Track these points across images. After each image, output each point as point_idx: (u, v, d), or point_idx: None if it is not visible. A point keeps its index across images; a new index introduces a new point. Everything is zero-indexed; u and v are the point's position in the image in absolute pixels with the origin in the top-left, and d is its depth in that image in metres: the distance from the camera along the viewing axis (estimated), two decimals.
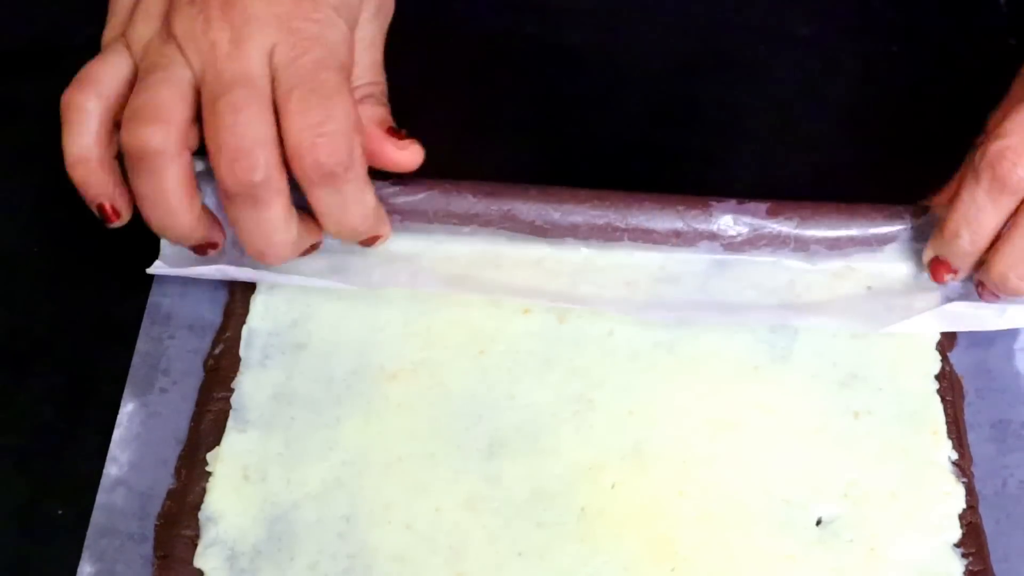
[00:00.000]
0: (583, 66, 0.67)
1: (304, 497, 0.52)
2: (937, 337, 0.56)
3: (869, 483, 0.52)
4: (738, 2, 0.70)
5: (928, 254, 0.56)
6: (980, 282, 0.54)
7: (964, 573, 0.50)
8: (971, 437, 0.54)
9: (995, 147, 0.51)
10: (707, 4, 0.69)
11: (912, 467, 0.52)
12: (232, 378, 0.55)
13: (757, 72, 0.67)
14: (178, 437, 0.54)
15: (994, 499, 0.52)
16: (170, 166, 0.51)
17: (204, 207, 0.53)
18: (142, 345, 0.56)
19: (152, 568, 0.50)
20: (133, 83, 0.53)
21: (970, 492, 0.52)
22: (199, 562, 0.50)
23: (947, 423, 0.53)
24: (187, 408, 0.54)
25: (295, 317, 0.56)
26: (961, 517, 0.51)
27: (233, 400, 0.54)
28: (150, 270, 0.56)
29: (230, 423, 0.53)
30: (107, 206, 0.53)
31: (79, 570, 0.50)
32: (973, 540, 0.51)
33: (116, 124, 0.52)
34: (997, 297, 0.54)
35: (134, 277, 0.57)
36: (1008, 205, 0.52)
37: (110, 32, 0.55)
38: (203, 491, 0.52)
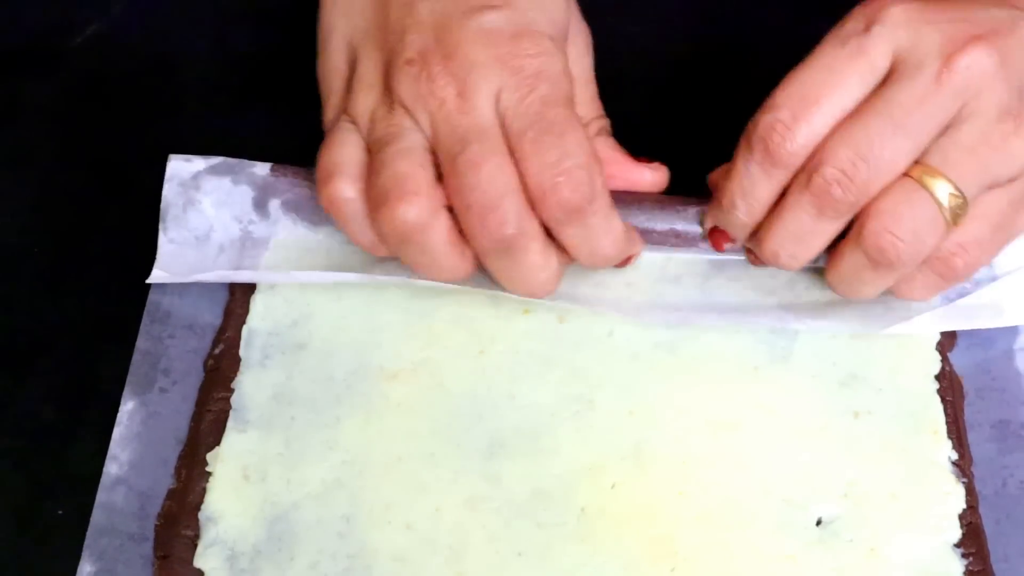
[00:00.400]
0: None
1: (304, 497, 0.52)
2: (937, 337, 0.56)
3: (869, 483, 0.52)
4: (739, 2, 0.70)
5: (708, 223, 0.56)
6: (749, 250, 0.55)
7: (964, 573, 0.50)
8: (971, 437, 0.54)
9: (766, 120, 0.51)
10: (707, 4, 0.69)
11: (912, 467, 0.52)
12: (232, 378, 0.55)
13: (757, 72, 0.67)
14: (178, 437, 0.54)
15: (994, 499, 0.52)
16: (433, 233, 0.51)
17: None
18: (142, 345, 0.56)
19: (152, 568, 0.51)
20: (367, 150, 0.52)
21: (970, 492, 0.52)
22: (199, 562, 0.50)
23: (947, 423, 0.54)
24: (187, 408, 0.55)
25: (295, 317, 0.56)
26: (961, 517, 0.51)
27: (233, 400, 0.54)
28: (150, 280, 0.56)
29: (230, 423, 0.53)
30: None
31: (79, 570, 0.50)
32: (973, 540, 0.51)
33: None
34: (766, 265, 0.55)
35: (134, 277, 0.57)
36: (780, 177, 0.52)
37: (331, 111, 0.54)
38: (203, 491, 0.52)
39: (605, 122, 0.57)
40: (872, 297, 0.54)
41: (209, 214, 0.57)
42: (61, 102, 0.67)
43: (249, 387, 0.54)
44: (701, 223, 0.56)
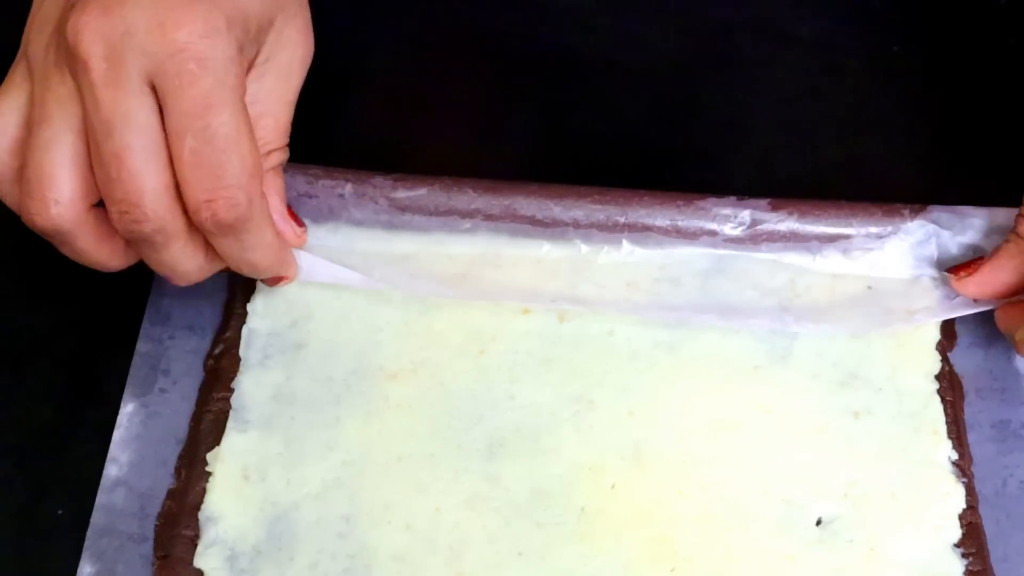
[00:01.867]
0: (583, 66, 0.67)
1: (304, 497, 0.52)
2: (937, 337, 0.56)
3: (869, 483, 0.52)
4: (739, 2, 0.70)
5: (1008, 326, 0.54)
6: None
7: (964, 573, 0.50)
8: (971, 437, 0.54)
9: None
10: (707, 4, 0.69)
11: (912, 467, 0.52)
12: (232, 378, 0.55)
13: (757, 72, 0.67)
14: (178, 437, 0.54)
15: (994, 499, 0.52)
16: (78, 240, 0.49)
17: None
18: (142, 345, 0.56)
19: (152, 568, 0.50)
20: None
21: (970, 492, 0.52)
22: (199, 562, 0.50)
23: (947, 423, 0.53)
24: (187, 408, 0.54)
25: (295, 317, 0.56)
26: (961, 517, 0.51)
27: (233, 400, 0.54)
28: None
29: (230, 423, 0.53)
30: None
31: (79, 570, 0.50)
32: (973, 540, 0.51)
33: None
34: None
35: (134, 277, 0.57)
36: None
37: (24, 35, 0.50)
38: (203, 491, 0.52)
39: (285, 155, 0.54)
40: None
41: None
42: None
43: (249, 387, 0.54)
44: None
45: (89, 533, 0.51)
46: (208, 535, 0.51)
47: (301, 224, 0.55)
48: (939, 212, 0.56)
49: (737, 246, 0.57)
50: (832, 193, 0.58)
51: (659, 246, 0.57)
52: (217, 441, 0.53)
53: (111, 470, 0.53)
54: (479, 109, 0.66)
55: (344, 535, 0.51)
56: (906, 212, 0.57)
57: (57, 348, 0.57)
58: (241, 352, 0.55)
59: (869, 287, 0.57)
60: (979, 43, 0.67)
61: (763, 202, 0.57)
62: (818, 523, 0.51)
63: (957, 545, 0.51)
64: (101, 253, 0.50)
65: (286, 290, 0.57)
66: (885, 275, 0.57)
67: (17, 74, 0.49)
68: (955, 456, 0.53)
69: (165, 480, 0.53)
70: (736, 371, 0.55)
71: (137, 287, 0.57)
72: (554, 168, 0.61)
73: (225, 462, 0.52)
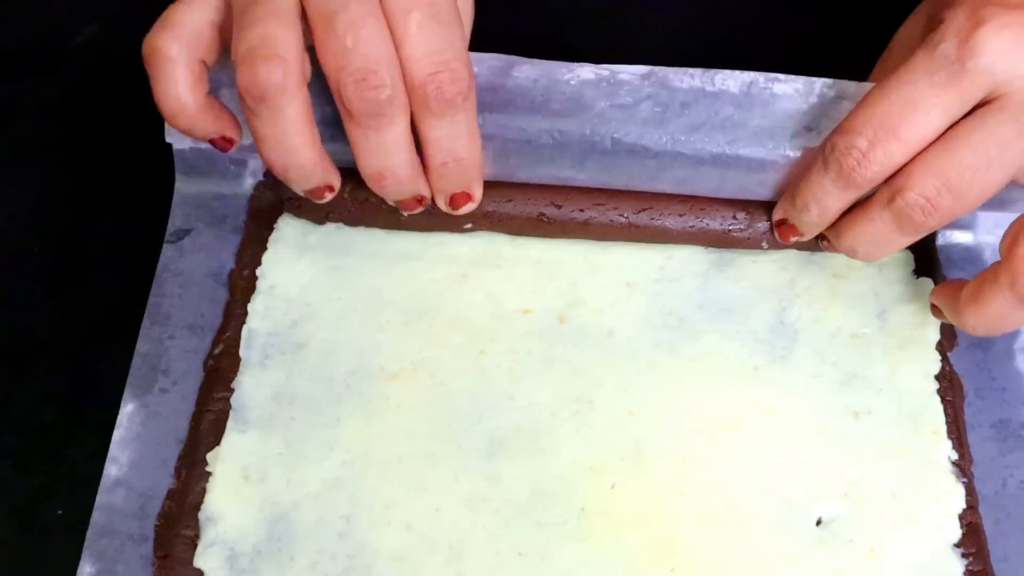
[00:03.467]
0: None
1: (304, 497, 0.52)
2: (937, 337, 0.56)
3: (869, 483, 0.52)
4: (739, 2, 0.70)
5: (777, 214, 0.56)
6: (826, 237, 0.55)
7: (964, 573, 0.50)
8: (971, 437, 0.54)
9: (843, 143, 0.50)
10: (708, 4, 0.69)
11: (912, 467, 0.52)
12: (232, 378, 0.55)
13: (790, 59, 0.66)
14: (178, 437, 0.54)
15: (994, 499, 0.52)
16: (292, 103, 0.49)
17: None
18: (142, 345, 0.56)
19: (152, 568, 0.50)
20: (220, 23, 0.51)
21: (970, 492, 0.52)
22: (199, 562, 0.50)
23: (947, 423, 0.54)
24: (187, 408, 0.54)
25: (295, 317, 0.56)
26: (961, 517, 0.51)
27: (233, 400, 0.54)
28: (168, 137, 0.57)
29: (230, 423, 0.53)
30: (218, 140, 0.54)
31: (79, 570, 0.50)
32: (973, 540, 0.51)
33: (203, 64, 0.52)
34: (838, 252, 0.55)
35: (134, 277, 0.57)
36: (854, 196, 0.52)
37: None
38: (203, 491, 0.52)
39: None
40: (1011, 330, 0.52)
41: None
42: (61, 102, 0.67)
43: (249, 387, 0.54)
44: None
45: (89, 533, 0.51)
46: (208, 535, 0.51)
47: None
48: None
49: (738, 246, 0.57)
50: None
51: (660, 246, 0.57)
52: (217, 441, 0.53)
53: (111, 470, 0.53)
54: None
55: (344, 535, 0.51)
56: None
57: (57, 348, 0.57)
58: (241, 352, 0.55)
59: (875, 292, 0.57)
60: None
61: (764, 203, 0.57)
62: (818, 523, 0.51)
63: (957, 545, 0.51)
64: (302, 133, 0.50)
65: (286, 290, 0.57)
66: (887, 279, 0.57)
67: None
68: (955, 456, 0.53)
69: (165, 480, 0.53)
70: (736, 371, 0.55)
71: (137, 287, 0.57)
72: None
73: (225, 462, 0.52)
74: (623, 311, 0.56)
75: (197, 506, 0.51)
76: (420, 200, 0.54)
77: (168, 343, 0.56)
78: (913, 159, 0.50)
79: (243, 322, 0.56)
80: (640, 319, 0.56)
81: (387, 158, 0.51)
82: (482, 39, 0.67)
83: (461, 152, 0.52)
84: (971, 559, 0.50)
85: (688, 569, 0.50)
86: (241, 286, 0.57)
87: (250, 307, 0.56)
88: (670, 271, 0.57)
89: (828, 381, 0.55)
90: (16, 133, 0.65)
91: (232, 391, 0.54)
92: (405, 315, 0.56)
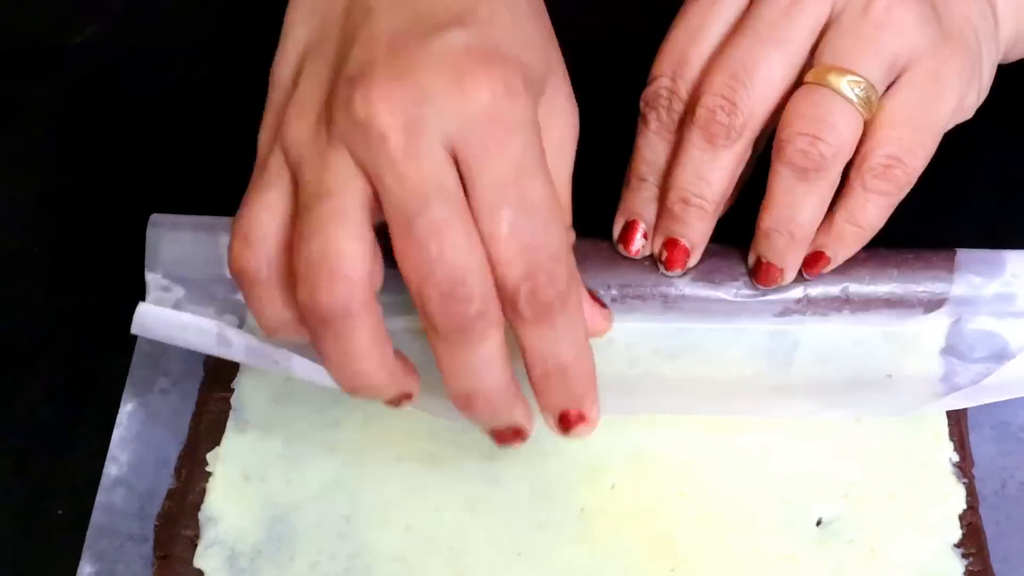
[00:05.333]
0: (583, 66, 0.67)
1: (304, 497, 0.52)
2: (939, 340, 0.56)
3: (869, 483, 0.52)
4: None
5: (619, 221, 0.55)
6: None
7: (964, 574, 0.50)
8: (972, 438, 0.54)
9: (650, 91, 0.54)
10: None
11: (913, 468, 0.52)
12: (232, 378, 0.55)
13: None
14: (178, 437, 0.54)
15: (994, 500, 0.52)
16: (358, 328, 0.43)
17: (397, 353, 0.45)
18: (142, 345, 0.56)
19: (152, 568, 0.50)
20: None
21: (971, 493, 0.52)
22: (199, 562, 0.50)
23: (948, 424, 0.53)
24: (187, 408, 0.54)
25: None
26: (961, 518, 0.51)
27: (233, 400, 0.54)
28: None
29: (230, 423, 0.53)
30: None
31: (79, 570, 0.50)
32: (973, 541, 0.51)
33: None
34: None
35: (134, 277, 0.57)
36: (730, 147, 0.52)
37: (266, 131, 0.46)
38: (203, 491, 0.52)
39: (573, 236, 0.51)
40: (815, 220, 0.51)
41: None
42: (61, 102, 0.67)
43: (249, 387, 0.54)
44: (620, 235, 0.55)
45: (89, 533, 0.51)
46: (208, 535, 0.51)
47: (604, 306, 0.53)
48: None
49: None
50: None
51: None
52: (217, 441, 0.53)
53: (111, 470, 0.53)
54: None
55: (344, 535, 0.51)
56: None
57: (57, 348, 0.57)
58: None
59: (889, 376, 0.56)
60: None
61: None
62: (818, 523, 0.51)
63: (957, 546, 0.51)
64: (372, 357, 0.44)
65: None
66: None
67: (272, 164, 0.44)
68: (956, 457, 0.53)
69: (165, 480, 0.53)
70: (737, 377, 0.55)
71: (137, 287, 0.57)
72: None
73: (225, 462, 0.52)
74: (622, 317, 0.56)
75: (197, 506, 0.51)
76: (518, 433, 0.47)
77: (168, 343, 0.56)
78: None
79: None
80: (640, 325, 0.56)
81: (478, 379, 0.44)
82: None
83: (564, 357, 0.45)
84: (971, 559, 0.50)
85: (688, 569, 0.50)
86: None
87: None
88: (660, 347, 0.56)
89: (830, 384, 0.54)
90: (16, 133, 0.65)
91: (232, 391, 0.54)
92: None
